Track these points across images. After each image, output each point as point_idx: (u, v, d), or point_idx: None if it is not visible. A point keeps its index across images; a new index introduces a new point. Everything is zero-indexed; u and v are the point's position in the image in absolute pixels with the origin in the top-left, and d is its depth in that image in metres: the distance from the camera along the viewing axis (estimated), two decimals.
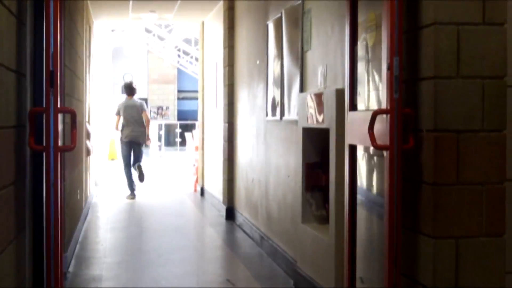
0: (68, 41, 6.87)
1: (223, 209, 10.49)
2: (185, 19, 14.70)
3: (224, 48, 10.57)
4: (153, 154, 25.61)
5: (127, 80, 13.76)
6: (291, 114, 6.59)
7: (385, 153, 3.84)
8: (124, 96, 13.17)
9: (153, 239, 8.78)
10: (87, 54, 11.19)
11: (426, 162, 3.63)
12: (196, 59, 26.47)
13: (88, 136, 11.07)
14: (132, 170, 12.86)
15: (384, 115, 3.78)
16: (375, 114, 3.80)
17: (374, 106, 4.22)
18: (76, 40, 8.46)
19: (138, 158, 12.84)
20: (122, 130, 12.82)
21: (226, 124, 10.40)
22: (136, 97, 12.97)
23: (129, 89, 13.02)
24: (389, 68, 3.71)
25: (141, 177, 12.82)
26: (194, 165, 14.31)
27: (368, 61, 4.34)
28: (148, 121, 12.94)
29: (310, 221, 5.87)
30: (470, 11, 3.61)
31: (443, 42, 3.59)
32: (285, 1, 6.85)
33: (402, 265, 3.77)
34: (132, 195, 12.85)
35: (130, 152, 12.82)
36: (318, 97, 5.44)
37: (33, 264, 4.00)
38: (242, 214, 9.35)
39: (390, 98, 3.70)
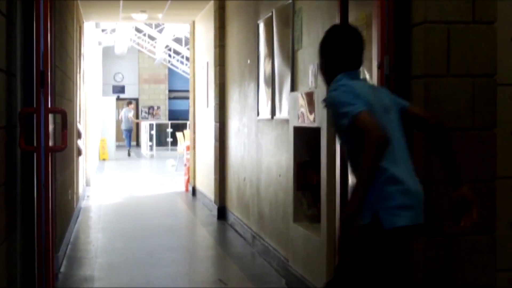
0: (58, 41, 6.85)
1: (214, 208, 10.48)
2: (176, 19, 14.69)
3: (215, 47, 10.57)
4: (145, 154, 25.58)
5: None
6: (282, 113, 6.59)
7: None
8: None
9: (145, 239, 8.76)
10: (78, 54, 11.16)
11: (417, 160, 3.64)
12: (187, 59, 26.46)
13: (79, 136, 11.05)
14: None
15: None
16: None
17: None
18: (66, 40, 8.44)
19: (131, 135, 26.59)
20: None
21: (217, 124, 10.39)
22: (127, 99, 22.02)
23: (128, 102, 27.02)
24: (380, 67, 3.72)
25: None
26: (185, 164, 14.30)
27: None
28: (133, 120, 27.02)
29: (301, 220, 5.87)
30: (460, 10, 3.62)
31: (433, 41, 3.60)
32: (275, 1, 6.85)
33: None
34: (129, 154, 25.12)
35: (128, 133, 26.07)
36: (309, 96, 5.45)
37: (24, 264, 3.98)
38: (234, 213, 9.35)
39: None
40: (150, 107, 33.16)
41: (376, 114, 3.06)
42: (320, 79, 5.51)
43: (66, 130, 3.96)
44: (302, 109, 5.64)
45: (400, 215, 3.06)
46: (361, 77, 3.37)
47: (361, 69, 3.40)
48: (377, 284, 3.09)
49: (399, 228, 3.05)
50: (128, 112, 26.06)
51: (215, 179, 10.52)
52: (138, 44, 27.94)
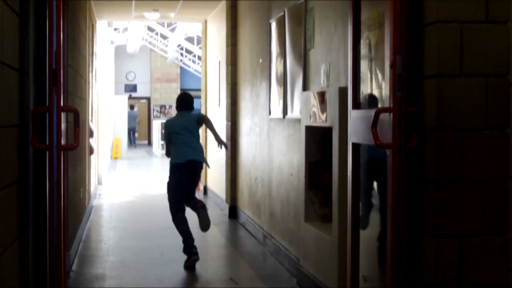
0: (71, 40, 6.88)
1: (226, 207, 10.49)
2: (188, 18, 14.71)
3: (227, 46, 10.57)
4: (156, 152, 25.63)
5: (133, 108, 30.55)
6: (294, 112, 6.59)
7: (388, 151, 3.83)
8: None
9: (156, 237, 8.78)
10: (90, 53, 11.20)
11: (429, 160, 3.63)
12: (199, 58, 26.48)
13: (91, 134, 11.08)
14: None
15: (387, 114, 3.78)
16: (378, 112, 3.80)
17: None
18: (79, 39, 8.47)
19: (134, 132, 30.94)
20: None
21: (229, 123, 10.40)
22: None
23: (131, 106, 29.91)
24: (392, 66, 3.71)
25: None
26: None
27: (371, 59, 4.34)
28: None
29: (313, 220, 5.87)
30: (473, 9, 3.61)
31: (446, 40, 3.58)
32: (288, 0, 6.85)
33: (405, 264, 3.77)
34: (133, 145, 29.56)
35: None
36: (321, 95, 5.44)
37: (36, 262, 4.00)
38: (245, 212, 9.35)
39: (393, 96, 3.70)
40: (162, 106, 33.23)
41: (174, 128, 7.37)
42: (332, 78, 5.51)
43: (78, 129, 3.97)
44: (314, 109, 5.63)
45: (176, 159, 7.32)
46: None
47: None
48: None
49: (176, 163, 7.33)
50: (134, 114, 30.39)
51: (227, 178, 10.53)
52: (150, 43, 28.01)
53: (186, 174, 7.31)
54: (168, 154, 7.44)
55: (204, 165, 7.48)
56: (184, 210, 7.42)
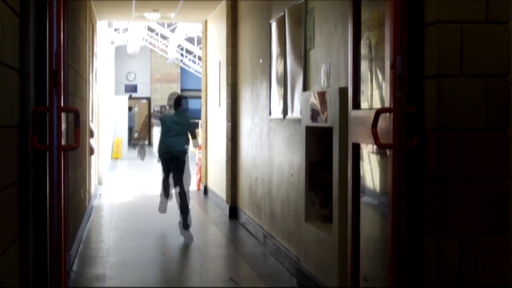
0: (71, 41, 6.88)
1: (226, 208, 10.49)
2: (188, 18, 14.71)
3: (227, 47, 10.57)
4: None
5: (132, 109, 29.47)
6: (295, 113, 6.59)
7: (388, 151, 3.83)
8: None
9: (156, 238, 8.78)
10: (90, 53, 11.20)
11: (430, 160, 3.63)
12: (199, 58, 26.47)
13: (91, 135, 11.08)
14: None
15: (388, 114, 3.78)
16: (378, 112, 3.80)
17: (377, 104, 4.22)
18: (79, 39, 8.47)
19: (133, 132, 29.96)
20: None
21: (229, 123, 10.40)
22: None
23: (129, 108, 27.00)
24: (392, 66, 3.71)
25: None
26: (197, 164, 14.31)
27: (371, 60, 4.34)
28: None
29: (313, 220, 5.87)
30: (473, 10, 3.61)
31: (446, 40, 3.59)
32: (288, 0, 6.85)
33: (406, 264, 3.77)
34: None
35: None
36: (322, 95, 5.44)
37: (36, 262, 4.00)
38: (246, 213, 9.35)
39: (393, 96, 3.70)
40: (162, 106, 33.20)
41: (164, 123, 9.08)
42: (332, 78, 5.51)
43: (79, 129, 3.97)
44: (314, 109, 5.63)
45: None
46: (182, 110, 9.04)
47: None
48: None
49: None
50: (132, 114, 31.03)
51: (227, 178, 10.53)
52: (150, 43, 27.99)
53: (169, 163, 8.99)
54: (141, 133, 9.74)
55: (187, 152, 8.97)
56: (168, 196, 9.38)
